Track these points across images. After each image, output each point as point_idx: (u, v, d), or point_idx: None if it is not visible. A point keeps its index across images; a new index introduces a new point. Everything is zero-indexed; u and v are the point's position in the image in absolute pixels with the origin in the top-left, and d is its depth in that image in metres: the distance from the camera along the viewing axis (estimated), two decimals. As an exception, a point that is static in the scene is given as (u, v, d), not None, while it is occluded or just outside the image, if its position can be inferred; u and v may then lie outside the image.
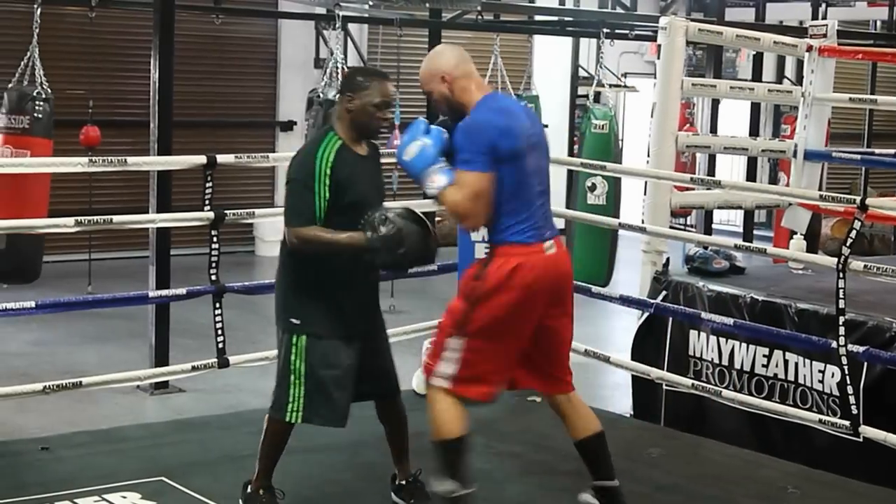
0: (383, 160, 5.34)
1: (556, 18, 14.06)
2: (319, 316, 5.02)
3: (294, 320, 5.04)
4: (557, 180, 11.59)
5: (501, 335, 4.80)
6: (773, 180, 15.21)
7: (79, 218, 6.36)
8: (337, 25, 10.55)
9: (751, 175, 12.92)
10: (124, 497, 5.45)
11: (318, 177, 4.85)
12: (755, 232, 13.21)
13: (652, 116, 7.78)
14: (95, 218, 6.46)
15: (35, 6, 8.93)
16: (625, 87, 15.30)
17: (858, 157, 8.96)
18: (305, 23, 14.12)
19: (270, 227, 13.89)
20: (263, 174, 14.55)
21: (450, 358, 4.81)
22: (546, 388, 5.19)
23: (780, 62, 17.42)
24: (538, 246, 4.82)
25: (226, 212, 6.62)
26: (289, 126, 14.93)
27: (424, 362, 5.04)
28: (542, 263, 4.82)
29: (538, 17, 14.61)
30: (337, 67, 10.40)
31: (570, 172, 11.56)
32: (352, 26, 13.03)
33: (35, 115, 8.77)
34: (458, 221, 4.88)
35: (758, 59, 13.30)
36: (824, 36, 8.26)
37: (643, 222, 7.60)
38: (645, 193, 7.79)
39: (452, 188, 4.68)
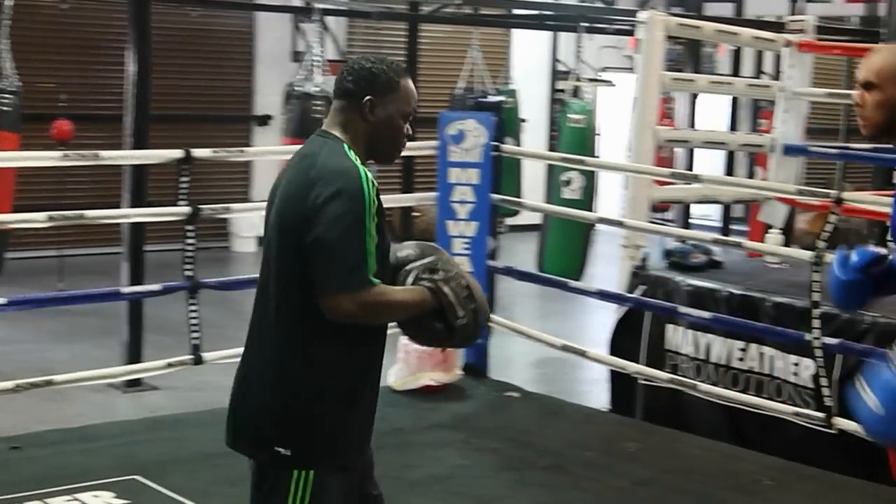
0: None
1: (535, 12, 14.03)
2: (342, 434, 3.25)
3: (291, 449, 3.19)
4: (536, 174, 11.67)
5: None
6: (750, 175, 15.21)
7: (51, 213, 6.28)
8: (314, 18, 10.51)
9: (729, 170, 12.92)
10: (97, 496, 5.40)
11: (368, 210, 3.14)
12: (734, 227, 13.21)
13: (632, 111, 7.75)
14: (68, 213, 6.39)
15: (7, -3, 8.85)
16: (602, 82, 15.27)
17: (835, 151, 8.94)
18: (282, 16, 14.04)
19: (246, 223, 13.85)
20: (239, 169, 14.43)
21: None
22: None
23: (759, 57, 17.41)
24: None
25: (201, 207, 6.57)
26: (265, 120, 14.84)
27: None
28: None
29: (517, 11, 14.58)
30: (315, 61, 10.35)
31: (548, 167, 11.54)
32: (329, 19, 12.96)
33: (1, 108, 8.69)
34: None
35: (736, 55, 13.30)
36: (802, 31, 8.25)
37: (622, 217, 7.57)
38: (624, 188, 7.76)
39: None
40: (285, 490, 3.17)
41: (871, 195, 8.70)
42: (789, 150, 7.94)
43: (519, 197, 11.17)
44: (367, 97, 3.26)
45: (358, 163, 3.20)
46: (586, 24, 12.34)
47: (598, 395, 7.79)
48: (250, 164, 14.50)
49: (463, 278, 3.26)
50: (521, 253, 11.69)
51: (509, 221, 14.70)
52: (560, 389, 7.85)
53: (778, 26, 9.81)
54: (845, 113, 15.92)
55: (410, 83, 3.36)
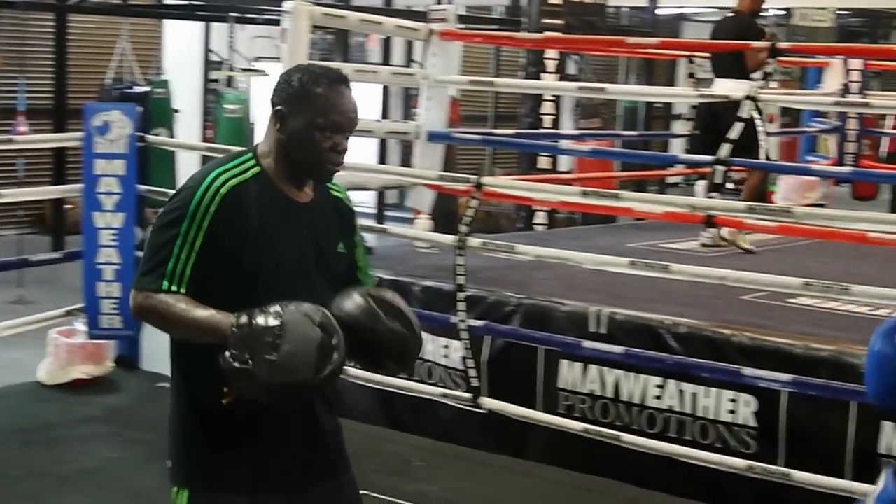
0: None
1: (185, 3, 13.94)
2: (212, 456, 3.14)
3: (171, 462, 3.24)
4: (192, 165, 11.59)
5: None
6: (407, 162, 15.56)
7: None
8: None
9: (382, 157, 13.17)
10: None
11: (192, 216, 3.01)
12: (390, 213, 13.49)
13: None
14: None
15: None
16: (255, 71, 15.30)
17: (479, 137, 9.23)
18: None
19: None
20: None
21: None
22: None
23: (409, 47, 17.81)
24: None
25: None
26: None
27: None
28: None
29: (167, 2, 14.45)
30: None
31: (202, 157, 11.51)
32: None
33: None
34: None
35: (387, 44, 13.57)
36: (444, 20, 8.49)
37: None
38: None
39: None
40: None
41: (513, 180, 9.08)
42: (433, 137, 8.16)
43: (174, 188, 11.08)
44: (278, 107, 3.11)
45: (225, 168, 3.08)
46: (236, 15, 12.36)
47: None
48: None
49: (280, 317, 2.79)
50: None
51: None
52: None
53: (425, 16, 10.09)
54: (493, 100, 16.50)
55: (337, 94, 3.09)
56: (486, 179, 6.39)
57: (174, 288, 2.99)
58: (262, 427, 3.08)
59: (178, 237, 2.99)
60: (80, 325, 7.24)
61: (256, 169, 3.11)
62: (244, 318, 2.79)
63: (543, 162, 12.16)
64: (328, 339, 2.79)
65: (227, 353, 2.78)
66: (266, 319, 2.77)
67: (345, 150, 3.13)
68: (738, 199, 7.90)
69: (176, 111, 13.73)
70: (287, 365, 2.75)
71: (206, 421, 3.11)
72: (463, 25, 11.89)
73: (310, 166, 3.12)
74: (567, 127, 13.22)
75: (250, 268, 3.02)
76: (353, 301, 3.04)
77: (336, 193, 3.30)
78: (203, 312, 2.93)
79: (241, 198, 3.05)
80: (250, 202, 3.05)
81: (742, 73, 8.07)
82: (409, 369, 2.87)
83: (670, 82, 18.32)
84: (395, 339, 3.07)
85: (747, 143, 7.55)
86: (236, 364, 2.76)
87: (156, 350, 7.85)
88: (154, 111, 11.34)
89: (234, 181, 3.06)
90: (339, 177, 3.28)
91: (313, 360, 2.77)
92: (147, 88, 11.96)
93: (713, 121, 8.18)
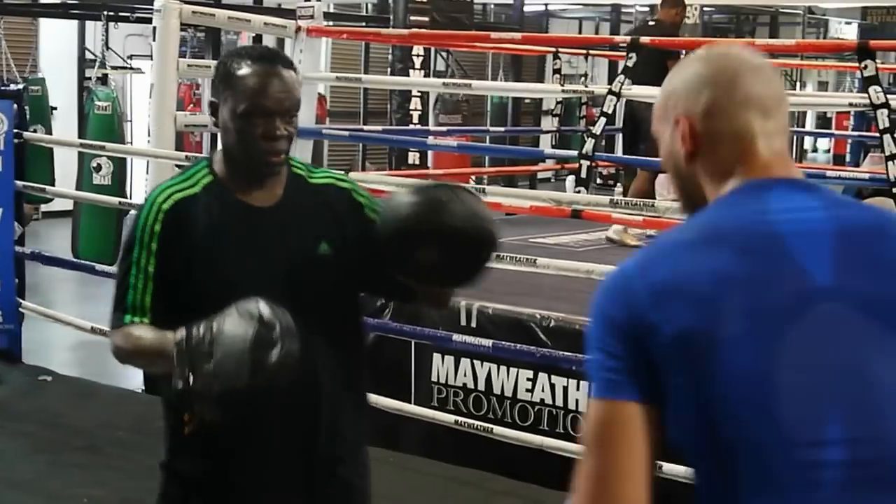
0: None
1: (59, 1, 13.87)
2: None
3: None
4: (69, 162, 11.54)
5: None
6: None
7: None
8: None
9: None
10: None
11: (140, 241, 2.74)
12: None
13: (151, 98, 7.83)
14: None
15: None
16: (130, 69, 15.25)
17: (347, 133, 9.29)
18: None
19: None
20: None
21: None
22: None
23: (282, 45, 17.80)
24: None
25: None
26: None
27: None
28: None
29: (42, 0, 14.38)
30: None
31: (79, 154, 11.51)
32: None
33: None
34: None
35: (257, 41, 13.57)
36: (311, 17, 8.55)
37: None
38: (146, 173, 7.87)
39: None
40: None
41: (382, 174, 9.19)
42: (303, 133, 8.22)
43: (53, 184, 11.12)
44: (210, 100, 2.81)
45: (172, 184, 2.79)
46: (110, 13, 12.35)
47: (132, 377, 7.85)
48: None
49: (213, 326, 2.47)
50: (57, 239, 11.56)
51: (44, 208, 14.57)
52: (93, 372, 7.87)
53: (294, 14, 10.13)
54: (363, 96, 16.60)
55: (258, 73, 2.68)
56: (353, 175, 6.48)
57: (136, 320, 2.73)
58: (251, 472, 2.76)
59: (132, 266, 2.73)
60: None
61: (208, 179, 2.79)
62: (182, 333, 2.51)
63: (413, 158, 12.29)
64: (267, 332, 2.44)
65: (172, 375, 2.51)
66: (201, 329, 2.49)
67: (283, 136, 2.72)
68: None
69: (53, 109, 13.70)
70: (222, 371, 2.44)
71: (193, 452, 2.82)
72: (331, 22, 11.97)
73: (246, 160, 2.75)
74: (432, 123, 13.38)
75: (201, 286, 2.70)
76: (399, 201, 2.66)
77: (328, 182, 2.90)
78: (153, 336, 2.66)
79: (188, 211, 2.73)
80: (198, 215, 2.73)
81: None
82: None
83: (539, 79, 18.56)
84: (473, 223, 2.62)
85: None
86: (180, 384, 2.49)
87: (37, 344, 7.87)
88: (31, 108, 11.32)
89: (178, 195, 2.75)
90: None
91: (246, 358, 2.43)
92: (22, 86, 11.90)
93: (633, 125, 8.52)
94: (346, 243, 2.82)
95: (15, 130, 7.52)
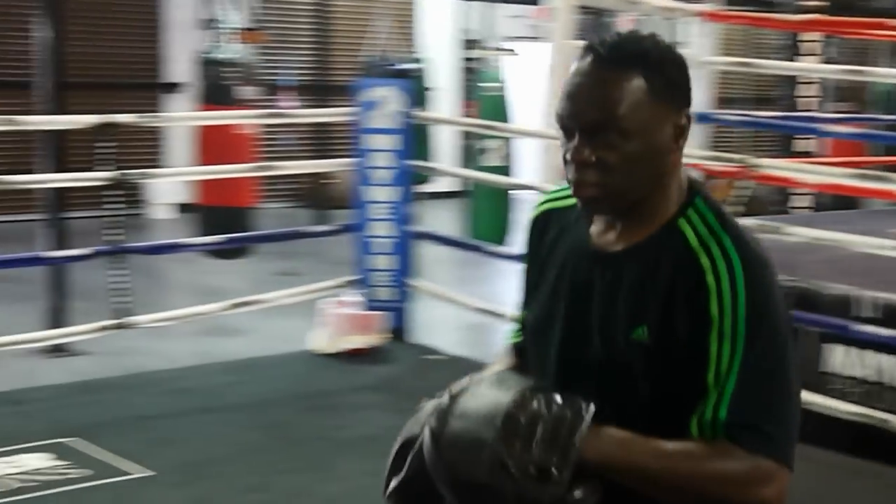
0: None
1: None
2: None
3: None
4: (445, 142, 11.83)
5: None
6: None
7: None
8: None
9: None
10: (36, 457, 5.41)
11: (524, 250, 2.29)
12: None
13: (549, 79, 7.88)
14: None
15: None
16: (507, 51, 15.48)
17: (740, 119, 9.10)
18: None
19: (162, 190, 13.82)
20: (149, 136, 14.30)
21: None
22: None
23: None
24: None
25: (127, 172, 6.61)
26: (173, 87, 14.72)
27: None
28: None
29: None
30: (224, 28, 10.35)
31: (465, 134, 11.75)
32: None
33: None
34: None
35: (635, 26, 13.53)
36: (710, 0, 8.42)
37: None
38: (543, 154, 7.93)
39: None
40: None
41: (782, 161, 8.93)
42: (697, 119, 8.12)
43: (430, 161, 11.37)
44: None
45: (548, 194, 2.26)
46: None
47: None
48: (161, 132, 14.39)
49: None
50: (436, 219, 11.81)
51: (419, 189, 14.92)
52: (481, 353, 7.97)
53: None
54: (749, 83, 16.28)
55: (576, 74, 2.01)
56: (757, 161, 6.35)
57: (514, 341, 2.31)
58: None
59: (523, 280, 2.25)
60: (350, 297, 7.44)
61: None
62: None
63: (800, 146, 11.94)
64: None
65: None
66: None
67: (590, 164, 1.95)
68: None
69: (428, 89, 14.03)
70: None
71: None
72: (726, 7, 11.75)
73: None
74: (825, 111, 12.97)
75: (526, 319, 2.22)
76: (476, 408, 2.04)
77: (687, 244, 1.98)
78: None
79: (550, 224, 2.19)
80: (557, 233, 2.17)
81: None
82: None
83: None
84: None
85: None
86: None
87: (425, 323, 8.05)
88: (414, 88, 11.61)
89: (549, 205, 2.21)
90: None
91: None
92: (414, 66, 12.19)
93: None
94: (661, 336, 1.97)
95: (409, 110, 7.67)
